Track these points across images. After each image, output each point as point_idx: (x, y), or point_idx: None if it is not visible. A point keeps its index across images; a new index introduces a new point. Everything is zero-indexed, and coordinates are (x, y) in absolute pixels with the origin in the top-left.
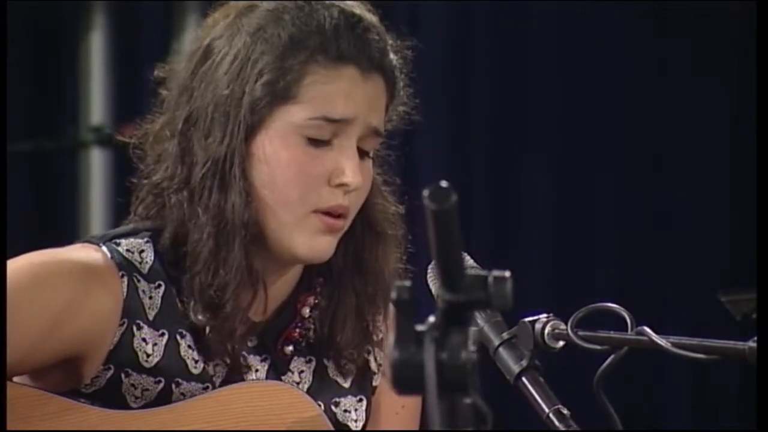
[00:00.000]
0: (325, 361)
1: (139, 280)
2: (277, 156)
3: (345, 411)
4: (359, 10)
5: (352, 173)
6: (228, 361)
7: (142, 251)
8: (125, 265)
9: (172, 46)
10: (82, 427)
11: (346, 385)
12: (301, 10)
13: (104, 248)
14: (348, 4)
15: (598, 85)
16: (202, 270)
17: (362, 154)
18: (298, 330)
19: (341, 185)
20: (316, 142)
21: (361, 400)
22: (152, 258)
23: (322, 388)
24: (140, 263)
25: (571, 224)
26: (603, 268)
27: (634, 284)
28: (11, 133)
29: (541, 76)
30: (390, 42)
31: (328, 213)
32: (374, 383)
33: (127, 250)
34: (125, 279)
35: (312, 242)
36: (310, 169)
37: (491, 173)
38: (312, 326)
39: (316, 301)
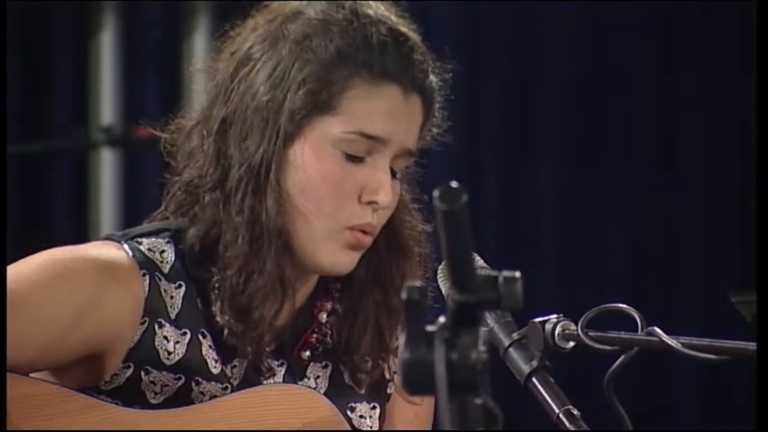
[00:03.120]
0: (341, 367)
1: (160, 279)
2: (311, 166)
3: (360, 416)
4: (405, 28)
5: (384, 192)
6: (251, 363)
7: (163, 251)
8: (147, 264)
9: (181, 47)
10: (103, 424)
11: (362, 391)
12: (350, 23)
13: (126, 246)
14: (395, 22)
15: (607, 86)
16: (235, 274)
17: (392, 173)
18: (315, 335)
19: (372, 203)
20: (350, 158)
21: (374, 408)
22: (173, 258)
23: (337, 394)
24: (161, 263)
25: (580, 225)
26: (613, 268)
27: (644, 285)
28: (22, 133)
29: (551, 77)
30: (431, 63)
31: (358, 230)
32: (389, 391)
33: (149, 249)
34: (147, 277)
35: (338, 256)
36: (343, 184)
37: (501, 173)
38: (329, 332)
39: (334, 307)
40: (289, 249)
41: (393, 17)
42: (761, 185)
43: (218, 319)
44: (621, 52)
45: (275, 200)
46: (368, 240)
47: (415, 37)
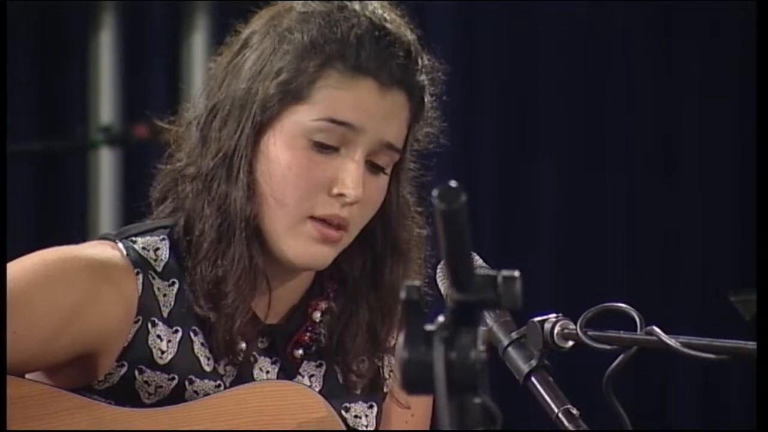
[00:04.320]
0: (336, 367)
1: (154, 278)
2: (280, 155)
3: (356, 416)
4: (392, 25)
5: (353, 184)
6: (233, 359)
7: (158, 249)
8: (140, 263)
9: (181, 46)
10: (96, 423)
11: (357, 391)
12: (330, 15)
13: (120, 245)
14: (380, 17)
15: (607, 85)
16: (203, 260)
17: (376, 168)
18: (308, 334)
19: (340, 195)
20: (321, 147)
21: (371, 407)
22: (167, 256)
23: (332, 393)
24: (155, 261)
25: (580, 224)
26: (612, 268)
27: (644, 284)
28: (21, 133)
29: (550, 76)
30: (423, 61)
31: (323, 221)
32: (385, 389)
33: (143, 248)
34: (140, 276)
35: (304, 249)
36: (310, 174)
37: (500, 173)
38: (323, 331)
39: (328, 306)
40: (260, 239)
41: (383, 14)
42: (761, 184)
43: (195, 308)
44: (620, 51)
45: (245, 189)
46: (337, 235)
47: (400, 32)
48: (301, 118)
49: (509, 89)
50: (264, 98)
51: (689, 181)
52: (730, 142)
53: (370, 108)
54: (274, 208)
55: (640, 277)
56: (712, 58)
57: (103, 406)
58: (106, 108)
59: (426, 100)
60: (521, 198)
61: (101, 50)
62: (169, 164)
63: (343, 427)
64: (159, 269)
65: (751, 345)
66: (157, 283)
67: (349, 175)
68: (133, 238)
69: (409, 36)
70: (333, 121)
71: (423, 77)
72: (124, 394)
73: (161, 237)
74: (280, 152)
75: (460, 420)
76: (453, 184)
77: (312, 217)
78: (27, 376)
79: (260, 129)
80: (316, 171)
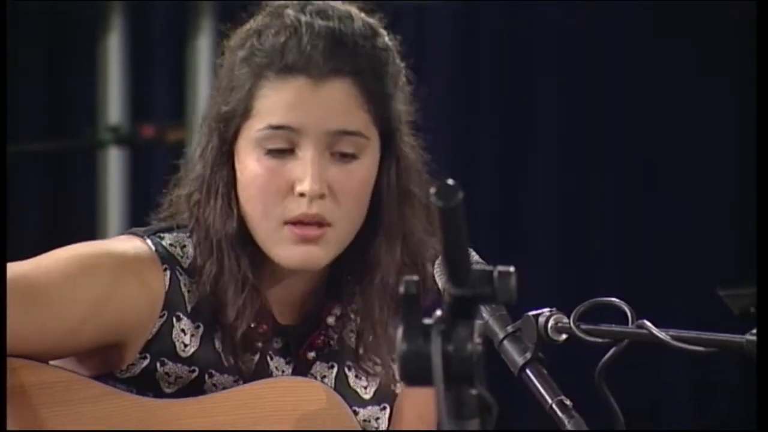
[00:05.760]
0: (346, 371)
1: (181, 274)
2: (245, 170)
3: (364, 421)
4: (323, 18)
5: (309, 181)
6: (249, 358)
7: (185, 246)
8: (168, 259)
9: (187, 48)
10: (119, 412)
11: (367, 396)
12: (265, 28)
13: (149, 241)
14: (314, 12)
15: (603, 85)
16: (200, 284)
17: (344, 156)
18: (321, 338)
19: (301, 194)
20: (276, 153)
21: (384, 409)
22: (193, 252)
23: (342, 396)
24: (182, 257)
25: (574, 221)
26: (606, 264)
27: (637, 280)
28: (30, 133)
29: (547, 75)
30: (371, 42)
31: (299, 222)
32: (396, 391)
33: (171, 244)
34: (168, 272)
35: (290, 253)
36: (270, 182)
37: (497, 171)
38: (336, 335)
39: (343, 311)
40: (251, 250)
41: (322, 9)
42: (760, 182)
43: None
44: (616, 51)
45: (222, 209)
46: (316, 232)
47: (335, 23)
48: (250, 132)
49: (508, 88)
50: (221, 117)
51: (682, 178)
52: (728, 139)
53: (305, 104)
54: (252, 221)
55: (636, 274)
56: (711, 57)
57: (126, 395)
58: (113, 108)
59: (381, 77)
60: (517, 195)
61: (109, 52)
62: (178, 186)
63: (356, 424)
64: (185, 265)
65: (740, 338)
66: (184, 279)
67: (303, 171)
68: (161, 234)
69: (354, 24)
70: (272, 127)
71: (372, 58)
72: (145, 384)
73: (188, 234)
74: (245, 167)
75: (456, 411)
76: (450, 181)
77: (287, 222)
78: (51, 363)
79: (228, 148)
80: (276, 177)
